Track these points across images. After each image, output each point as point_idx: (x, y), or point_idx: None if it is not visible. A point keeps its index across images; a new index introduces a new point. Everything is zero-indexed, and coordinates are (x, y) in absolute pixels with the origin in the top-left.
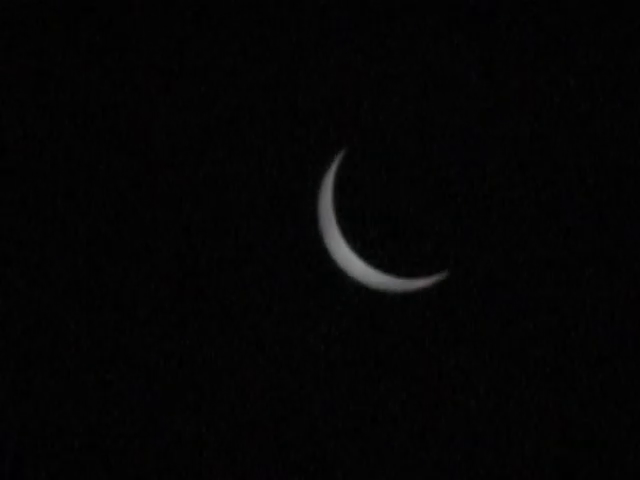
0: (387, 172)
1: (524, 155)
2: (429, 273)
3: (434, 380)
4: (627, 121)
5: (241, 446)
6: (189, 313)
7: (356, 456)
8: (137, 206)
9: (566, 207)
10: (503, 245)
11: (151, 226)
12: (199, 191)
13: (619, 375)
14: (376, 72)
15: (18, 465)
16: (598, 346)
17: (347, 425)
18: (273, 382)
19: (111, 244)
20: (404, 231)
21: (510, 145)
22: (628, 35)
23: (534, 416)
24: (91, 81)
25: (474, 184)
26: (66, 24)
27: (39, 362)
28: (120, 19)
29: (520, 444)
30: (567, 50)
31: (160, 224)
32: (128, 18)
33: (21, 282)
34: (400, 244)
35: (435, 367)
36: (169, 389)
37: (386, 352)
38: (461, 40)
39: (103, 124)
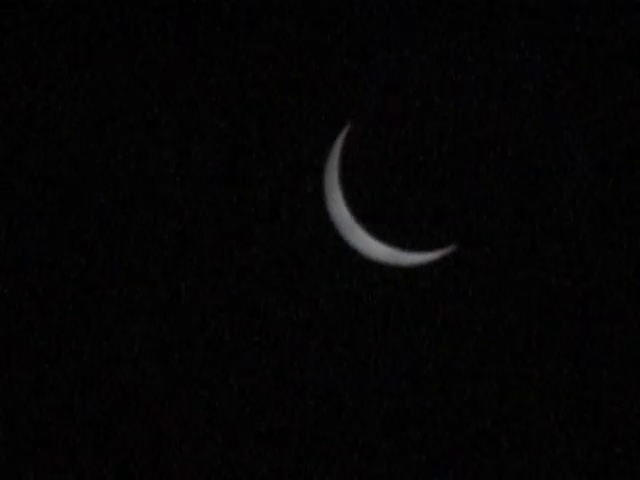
0: (394, 147)
1: (530, 130)
2: (436, 247)
3: (435, 356)
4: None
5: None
6: (191, 283)
7: (352, 436)
8: (136, 190)
9: (572, 182)
10: (509, 221)
11: (149, 204)
12: (202, 160)
13: (624, 354)
14: (380, 49)
15: None
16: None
17: (347, 400)
18: (274, 352)
19: (98, 232)
20: (410, 205)
21: (516, 119)
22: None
23: (542, 397)
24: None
25: (481, 159)
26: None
27: (32, 362)
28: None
29: (527, 427)
30: (567, 50)
31: (162, 195)
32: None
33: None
34: (406, 218)
35: (437, 344)
36: (167, 371)
37: (388, 324)
38: (462, 22)
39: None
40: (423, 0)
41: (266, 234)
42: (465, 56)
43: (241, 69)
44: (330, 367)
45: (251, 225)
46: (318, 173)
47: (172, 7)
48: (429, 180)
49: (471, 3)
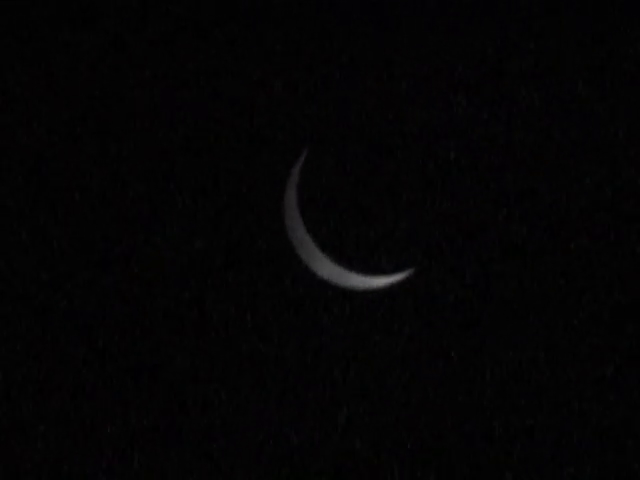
0: (351, 170)
1: (494, 149)
2: (393, 271)
3: (398, 376)
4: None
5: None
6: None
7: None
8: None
9: (533, 202)
10: (469, 244)
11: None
12: (166, 185)
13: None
14: (339, 70)
15: None
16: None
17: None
18: (243, 377)
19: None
20: (369, 229)
21: (475, 140)
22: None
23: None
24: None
25: (441, 181)
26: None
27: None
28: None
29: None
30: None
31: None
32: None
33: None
34: (365, 242)
35: (402, 365)
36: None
37: (354, 347)
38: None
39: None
40: (386, 18)
41: (226, 260)
42: (421, 83)
43: (200, 85)
44: (294, 389)
45: (211, 248)
46: (278, 197)
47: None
48: (389, 205)
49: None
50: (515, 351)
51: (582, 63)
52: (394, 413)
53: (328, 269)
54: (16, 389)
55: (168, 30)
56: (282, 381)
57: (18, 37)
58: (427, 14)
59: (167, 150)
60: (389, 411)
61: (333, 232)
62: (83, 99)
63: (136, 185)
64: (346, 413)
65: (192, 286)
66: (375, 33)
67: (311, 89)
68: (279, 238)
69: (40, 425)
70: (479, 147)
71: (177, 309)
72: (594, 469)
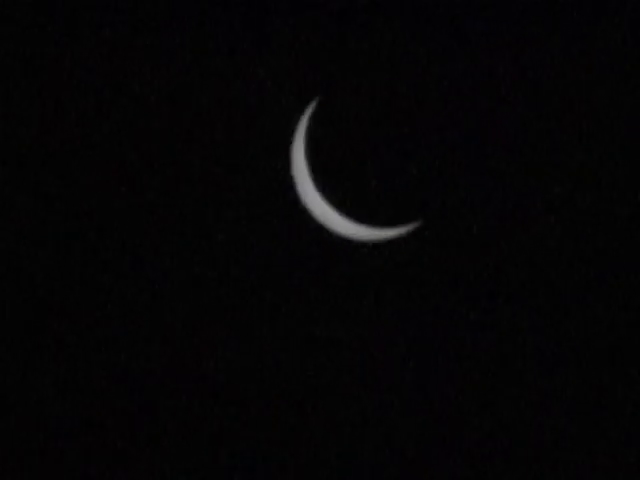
0: (360, 121)
1: (502, 108)
2: (403, 222)
3: (402, 334)
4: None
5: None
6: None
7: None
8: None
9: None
10: (479, 195)
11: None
12: (166, 144)
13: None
14: (353, 23)
15: None
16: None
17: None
18: (253, 341)
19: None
20: (378, 180)
21: (488, 96)
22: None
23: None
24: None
25: (450, 134)
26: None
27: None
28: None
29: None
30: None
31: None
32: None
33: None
34: (374, 193)
35: (411, 321)
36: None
37: (365, 301)
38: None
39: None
40: None
41: (234, 218)
42: (439, 39)
43: (207, 37)
44: (303, 347)
45: (215, 208)
46: (285, 148)
47: None
48: (399, 155)
49: None
50: (524, 311)
51: (582, 63)
52: (403, 370)
53: (336, 222)
54: (16, 389)
55: None
56: (292, 338)
57: (18, 37)
58: None
59: (172, 94)
60: (398, 368)
61: (342, 185)
62: (83, 98)
63: (139, 139)
64: (356, 371)
65: (193, 242)
66: None
67: (322, 37)
68: (287, 193)
69: (39, 425)
70: (490, 97)
71: (185, 263)
72: (594, 469)
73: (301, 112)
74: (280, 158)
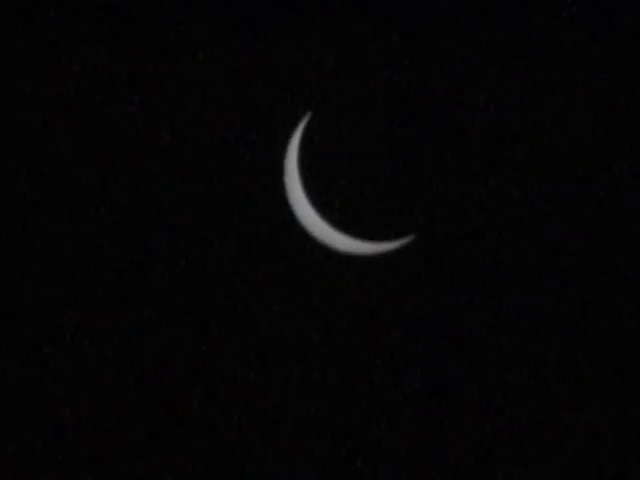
0: (353, 135)
1: (495, 117)
2: (396, 236)
3: (400, 345)
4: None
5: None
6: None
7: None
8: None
9: (538, 173)
10: (472, 208)
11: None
12: (156, 154)
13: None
14: (344, 38)
15: None
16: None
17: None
18: (241, 350)
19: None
20: (371, 194)
21: (479, 105)
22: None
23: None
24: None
25: (445, 148)
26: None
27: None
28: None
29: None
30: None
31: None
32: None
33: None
34: (367, 207)
35: (403, 331)
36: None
37: (356, 315)
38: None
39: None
40: None
41: (224, 227)
42: (427, 43)
43: (201, 47)
44: (293, 357)
45: (209, 219)
46: (278, 162)
47: None
48: (392, 170)
49: None
50: (522, 321)
51: (584, 63)
52: (399, 379)
53: (327, 234)
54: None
55: None
56: (281, 349)
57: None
58: None
59: (165, 103)
60: (394, 378)
61: (333, 197)
62: (82, 97)
63: (135, 141)
64: (351, 379)
65: (185, 247)
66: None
67: (316, 48)
68: (278, 201)
69: (36, 424)
70: (488, 114)
71: (175, 267)
72: (595, 468)
73: (294, 126)
74: (273, 172)
